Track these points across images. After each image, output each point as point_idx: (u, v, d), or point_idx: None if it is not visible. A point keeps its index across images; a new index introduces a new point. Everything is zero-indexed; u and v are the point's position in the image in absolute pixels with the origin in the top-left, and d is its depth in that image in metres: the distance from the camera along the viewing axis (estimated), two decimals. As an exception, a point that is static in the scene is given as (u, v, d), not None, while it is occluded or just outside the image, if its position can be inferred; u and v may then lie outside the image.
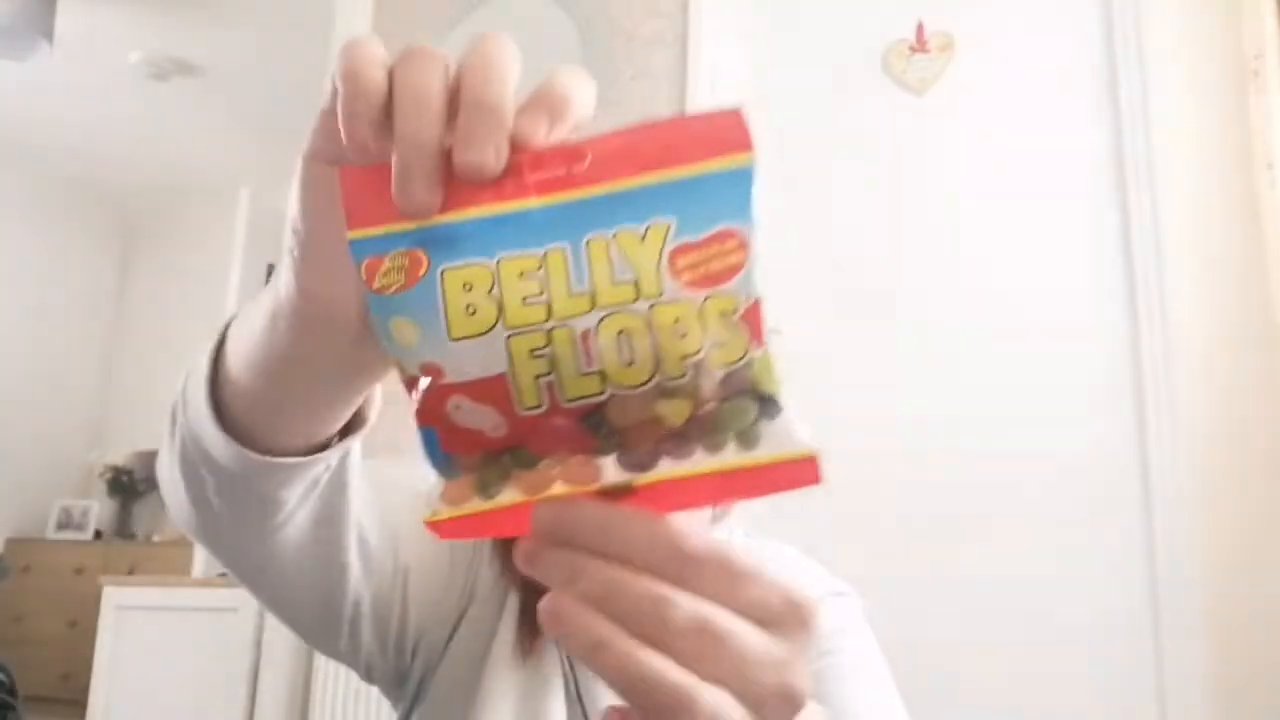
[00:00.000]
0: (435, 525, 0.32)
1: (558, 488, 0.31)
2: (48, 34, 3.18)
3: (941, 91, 2.00)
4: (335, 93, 0.34)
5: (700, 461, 0.31)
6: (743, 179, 0.31)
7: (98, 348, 5.53)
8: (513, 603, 0.72)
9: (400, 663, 0.70)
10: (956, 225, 1.93)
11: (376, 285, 0.31)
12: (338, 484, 0.55)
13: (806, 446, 0.31)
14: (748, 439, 0.30)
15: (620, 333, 0.30)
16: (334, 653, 0.67)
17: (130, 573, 4.42)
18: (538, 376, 0.30)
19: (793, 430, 0.31)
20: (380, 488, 0.65)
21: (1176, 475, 1.67)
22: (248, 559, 0.57)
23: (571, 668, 0.71)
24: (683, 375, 0.30)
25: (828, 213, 2.04)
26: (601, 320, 0.30)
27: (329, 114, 0.36)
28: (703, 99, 2.12)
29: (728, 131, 0.32)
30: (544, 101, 0.33)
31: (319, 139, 0.37)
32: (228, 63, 3.97)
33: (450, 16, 2.45)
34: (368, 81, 0.33)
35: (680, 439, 0.30)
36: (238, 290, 3.93)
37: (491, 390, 0.30)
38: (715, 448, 0.30)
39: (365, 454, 0.56)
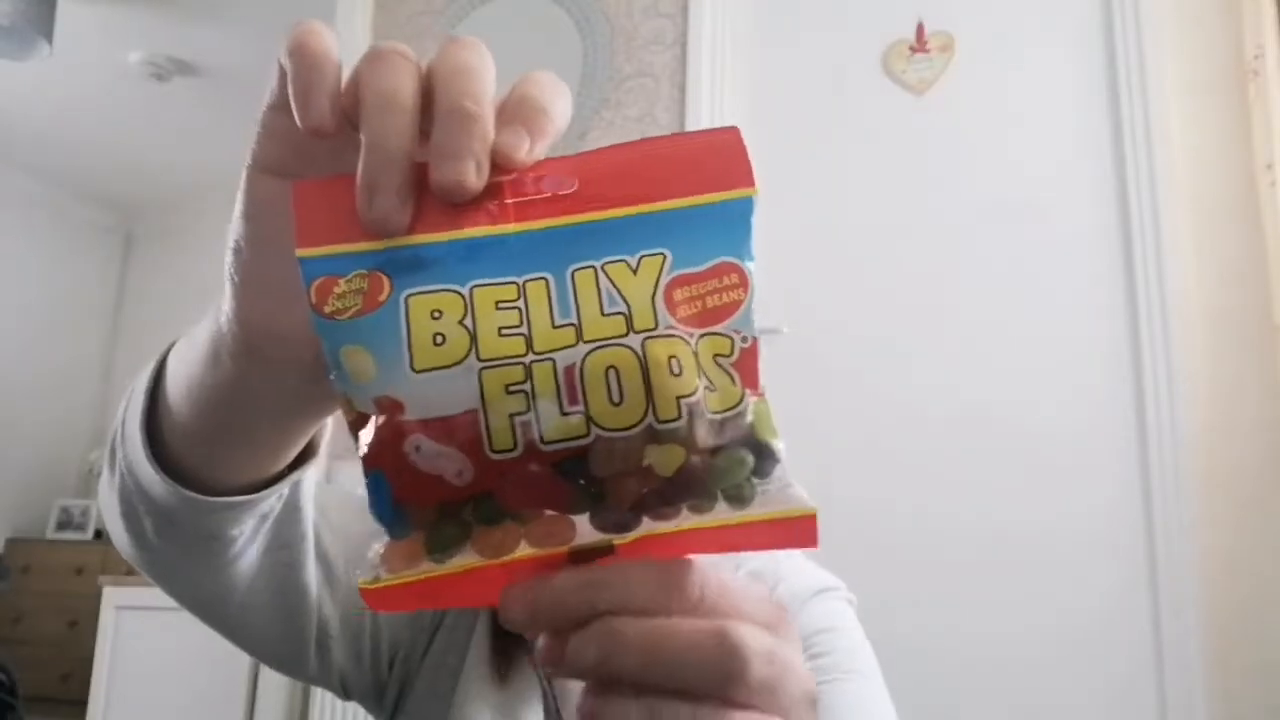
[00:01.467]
0: (372, 594, 0.27)
1: (523, 549, 0.27)
2: (48, 34, 3.18)
3: (941, 91, 1.99)
4: (282, 79, 0.31)
5: (686, 521, 0.27)
6: (742, 213, 0.29)
7: (98, 348, 5.53)
8: (485, 615, 0.70)
9: (378, 675, 0.69)
10: (956, 225, 1.93)
11: (328, 309, 0.27)
12: (291, 510, 0.52)
13: (804, 504, 0.27)
14: (740, 496, 0.27)
15: (609, 369, 0.26)
16: (303, 675, 0.64)
17: (130, 573, 4.41)
18: (513, 415, 0.26)
19: (789, 486, 0.28)
20: (339, 503, 0.62)
21: (1177, 475, 1.67)
22: (198, 593, 0.54)
23: (549, 682, 0.70)
24: (676, 418, 0.26)
25: (828, 212, 2.04)
26: (588, 355, 0.26)
27: (276, 109, 0.32)
28: (703, 99, 2.12)
29: (726, 161, 0.29)
30: (521, 115, 0.30)
31: (264, 142, 0.33)
32: (228, 63, 3.97)
33: (451, 16, 2.45)
34: (320, 54, 0.30)
35: (665, 495, 0.27)
36: (238, 290, 3.93)
37: (458, 429, 0.26)
38: (703, 508, 0.27)
39: (349, 459, 0.52)
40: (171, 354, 0.44)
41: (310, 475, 0.51)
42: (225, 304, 0.37)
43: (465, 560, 0.27)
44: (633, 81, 2.22)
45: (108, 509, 0.50)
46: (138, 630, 2.62)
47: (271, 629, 0.59)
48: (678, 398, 0.26)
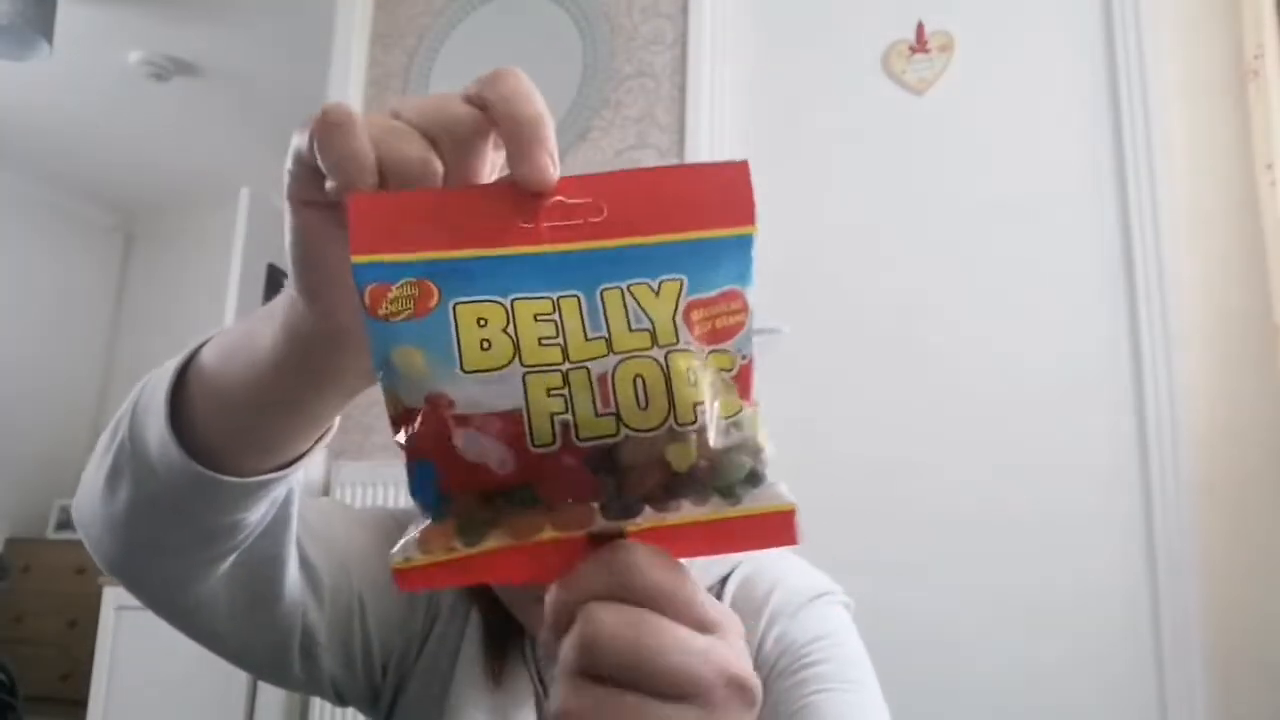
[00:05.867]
0: (403, 573, 0.31)
1: (548, 533, 0.31)
2: (48, 34, 3.18)
3: (941, 91, 1.99)
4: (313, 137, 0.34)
5: (685, 512, 0.31)
6: (745, 246, 0.33)
7: (98, 348, 5.52)
8: (476, 618, 0.71)
9: (371, 681, 0.70)
10: (956, 224, 1.93)
11: (381, 312, 0.30)
12: (281, 509, 0.53)
13: (786, 501, 0.32)
14: (733, 493, 0.32)
15: (637, 377, 0.31)
16: (289, 682, 0.64)
17: (130, 573, 4.39)
18: (553, 414, 0.30)
19: (774, 486, 0.32)
20: (322, 518, 0.63)
21: (1176, 475, 1.67)
22: (187, 595, 0.55)
23: (541, 683, 0.71)
24: (692, 421, 0.31)
25: (827, 212, 2.04)
26: (618, 364, 0.31)
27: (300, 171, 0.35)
28: (703, 99, 2.12)
29: (734, 197, 0.34)
30: (527, 134, 0.33)
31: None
32: (228, 63, 3.97)
33: (451, 16, 2.45)
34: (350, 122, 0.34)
35: (671, 488, 0.31)
36: (238, 290, 3.92)
37: (504, 425, 0.30)
38: (701, 500, 0.31)
39: (362, 457, 0.54)
40: (204, 358, 0.46)
41: (299, 481, 0.52)
42: (300, 306, 0.39)
43: (494, 543, 0.31)
44: (633, 81, 2.22)
45: (103, 514, 0.50)
46: (138, 630, 2.62)
47: (252, 630, 0.59)
48: (694, 404, 0.31)
